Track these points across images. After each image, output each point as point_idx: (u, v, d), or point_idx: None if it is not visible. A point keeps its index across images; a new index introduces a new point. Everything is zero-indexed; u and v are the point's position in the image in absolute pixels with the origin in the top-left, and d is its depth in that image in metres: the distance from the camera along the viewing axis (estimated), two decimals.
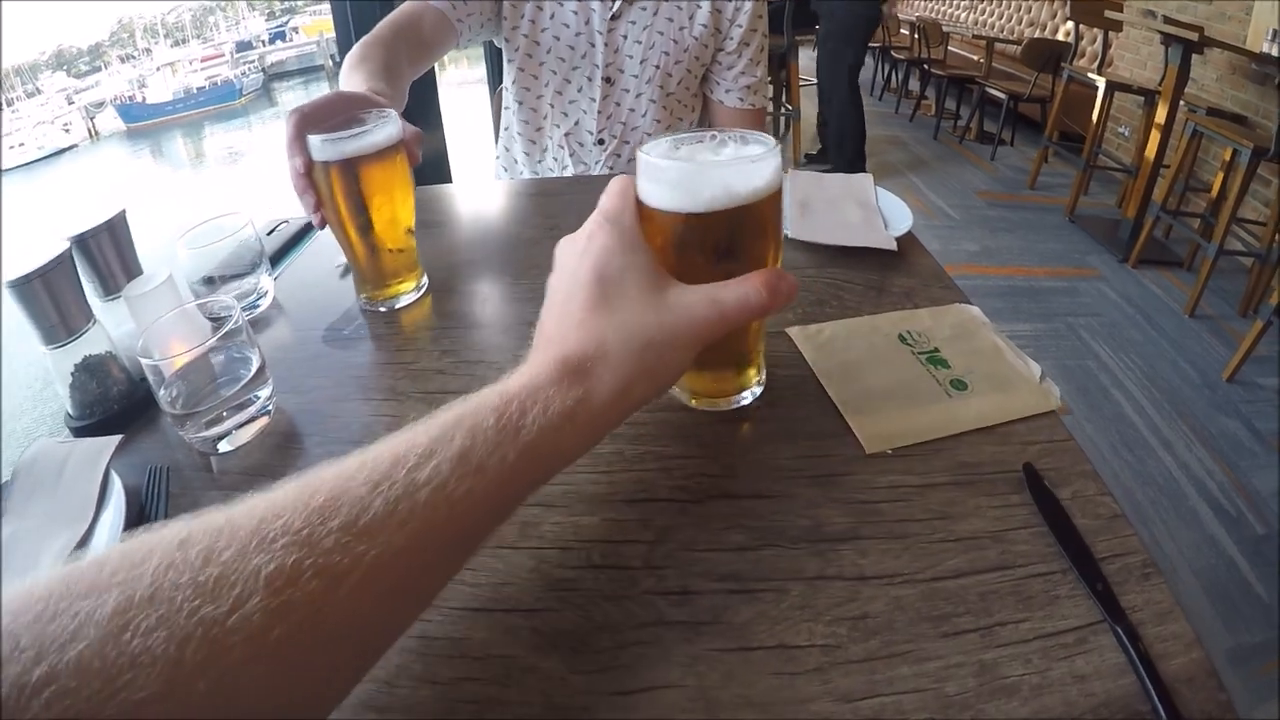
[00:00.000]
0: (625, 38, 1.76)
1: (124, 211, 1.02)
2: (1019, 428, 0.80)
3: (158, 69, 37.16)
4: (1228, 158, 4.49)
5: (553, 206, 1.49)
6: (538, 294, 0.67)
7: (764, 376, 0.85)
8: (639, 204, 0.70)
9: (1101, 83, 5.17)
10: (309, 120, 1.02)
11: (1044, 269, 4.60)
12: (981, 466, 0.75)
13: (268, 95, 36.49)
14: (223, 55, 41.93)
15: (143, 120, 35.15)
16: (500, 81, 1.98)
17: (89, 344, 0.91)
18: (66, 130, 35.60)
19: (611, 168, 1.87)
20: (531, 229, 1.38)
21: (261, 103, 35.06)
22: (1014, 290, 4.31)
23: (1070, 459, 0.75)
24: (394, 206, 1.08)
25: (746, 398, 0.84)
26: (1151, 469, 3.11)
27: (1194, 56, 4.49)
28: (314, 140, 1.00)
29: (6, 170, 34.86)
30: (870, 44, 8.55)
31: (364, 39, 1.51)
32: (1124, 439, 3.26)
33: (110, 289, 1.00)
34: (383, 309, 1.12)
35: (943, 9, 10.58)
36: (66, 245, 0.89)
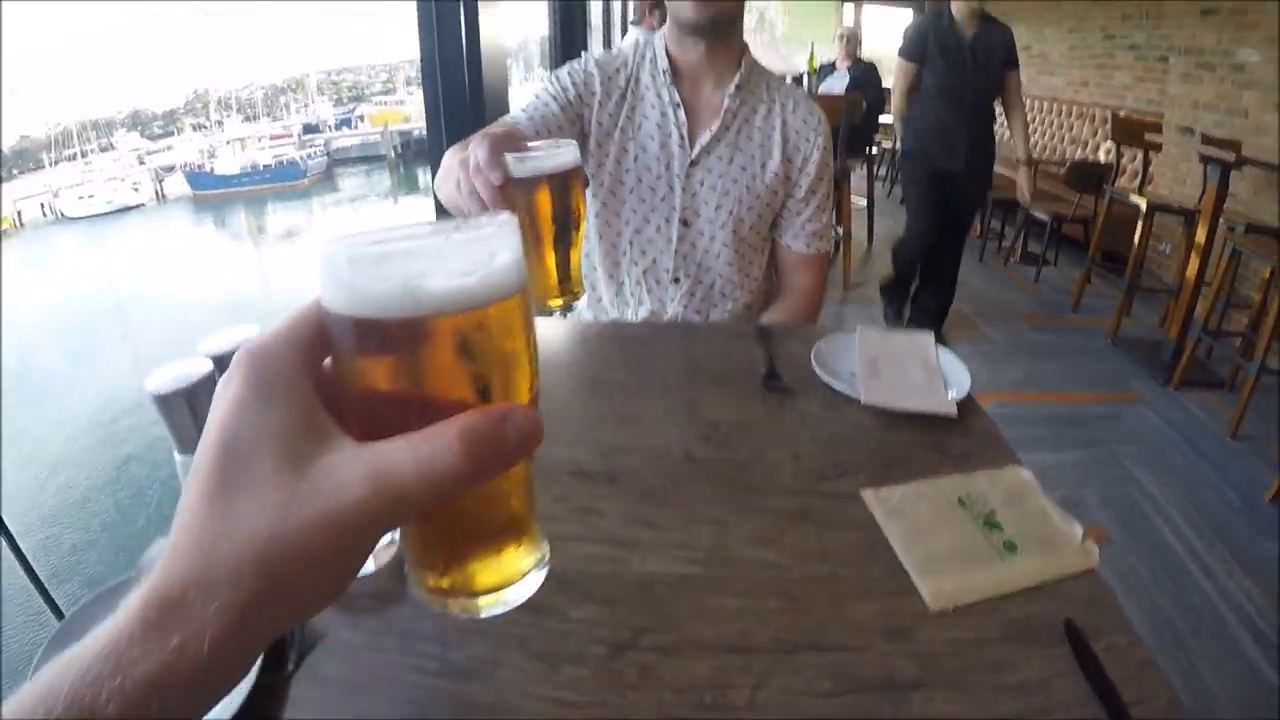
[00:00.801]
0: (702, 184, 1.86)
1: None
2: (1063, 584, 0.91)
3: (227, 142, 37.99)
4: (1267, 275, 4.43)
5: (642, 353, 1.53)
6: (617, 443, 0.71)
7: (546, 554, 0.55)
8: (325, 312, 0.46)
9: (1143, 204, 5.12)
10: (497, 142, 1.03)
11: (1087, 394, 4.53)
12: (1029, 621, 0.85)
13: (330, 179, 37.03)
14: (290, 135, 42.70)
15: (209, 189, 34.69)
16: None
17: None
18: (135, 189, 35.62)
19: (685, 306, 1.94)
20: (618, 372, 1.42)
21: (324, 185, 35.59)
22: (1057, 418, 4.24)
23: (1107, 613, 0.86)
24: (580, 219, 1.15)
25: (513, 597, 0.53)
26: (1192, 596, 3.04)
27: (1232, 173, 4.46)
28: (511, 159, 1.03)
29: (73, 219, 36.16)
30: None
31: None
32: (1165, 566, 3.19)
33: None
34: (572, 311, 1.27)
35: None
36: (210, 366, 0.93)
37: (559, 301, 1.16)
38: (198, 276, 23.49)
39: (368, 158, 39.33)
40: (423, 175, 35.78)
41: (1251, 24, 5.51)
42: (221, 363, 0.96)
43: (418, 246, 0.46)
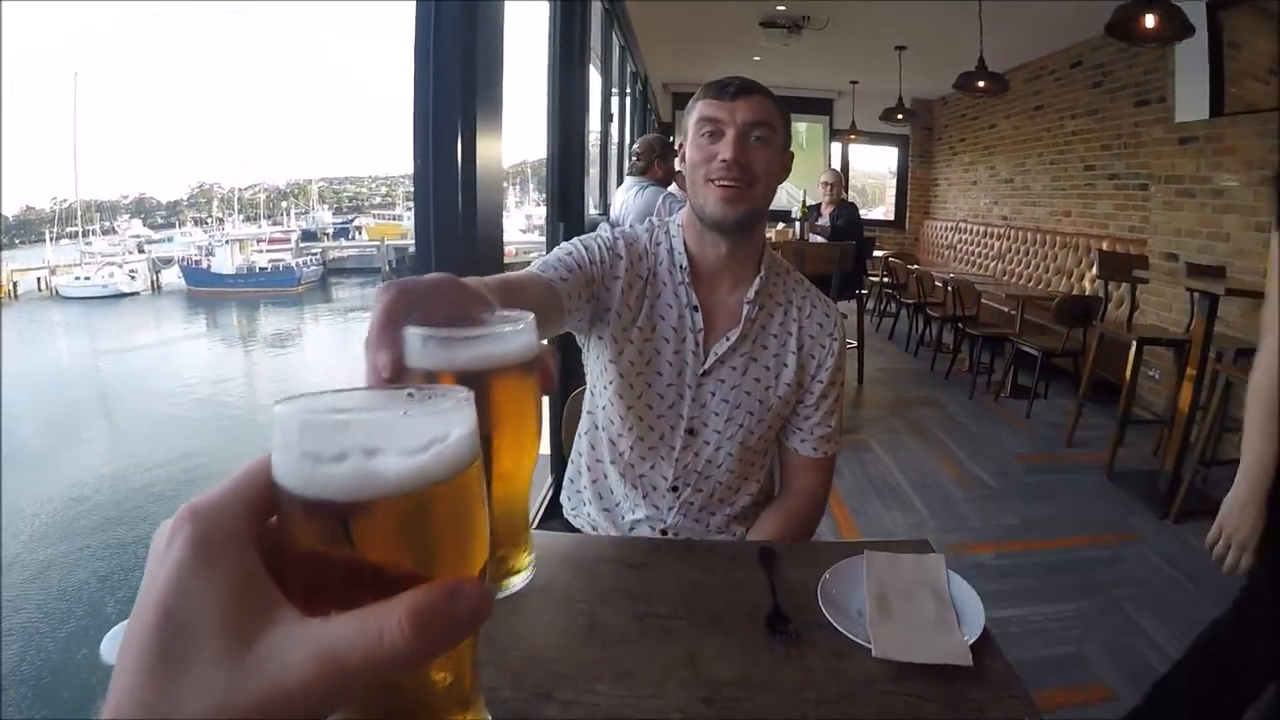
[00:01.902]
0: (713, 394, 1.74)
1: None
2: None
3: (226, 241, 38.47)
4: None
5: (639, 583, 1.38)
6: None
7: None
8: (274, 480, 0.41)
9: (1133, 341, 4.94)
10: (411, 300, 0.67)
11: (1085, 537, 4.24)
12: None
13: (324, 288, 37.42)
14: (289, 241, 43.45)
15: (204, 286, 35.76)
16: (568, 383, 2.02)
17: None
18: (132, 276, 36.38)
19: (684, 515, 1.80)
20: (616, 613, 1.27)
21: (317, 294, 35.99)
22: (1057, 565, 3.93)
23: None
24: (521, 450, 0.69)
25: None
26: None
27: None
28: (414, 335, 0.62)
29: (67, 298, 35.79)
30: (906, 301, 8.90)
31: None
32: None
33: None
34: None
35: (973, 255, 10.74)
36: None
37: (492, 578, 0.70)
38: (185, 372, 23.50)
39: (362, 270, 39.86)
40: None
41: (1228, 150, 5.58)
42: None
43: (374, 420, 0.44)
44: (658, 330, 1.72)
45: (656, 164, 5.21)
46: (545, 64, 4.15)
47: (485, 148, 2.23)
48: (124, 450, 16.36)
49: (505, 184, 2.60)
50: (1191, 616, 3.38)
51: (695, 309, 1.72)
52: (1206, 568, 3.72)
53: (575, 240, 1.71)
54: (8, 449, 17.07)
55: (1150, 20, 4.54)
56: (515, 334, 0.65)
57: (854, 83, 11.38)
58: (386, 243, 41.40)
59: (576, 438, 1.94)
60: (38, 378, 24.75)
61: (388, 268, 38.25)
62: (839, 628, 1.20)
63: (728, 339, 1.71)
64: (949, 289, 7.71)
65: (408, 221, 48.83)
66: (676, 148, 1.83)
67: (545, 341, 0.74)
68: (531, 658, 1.13)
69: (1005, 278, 9.48)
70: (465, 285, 0.76)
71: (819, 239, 7.07)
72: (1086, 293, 7.53)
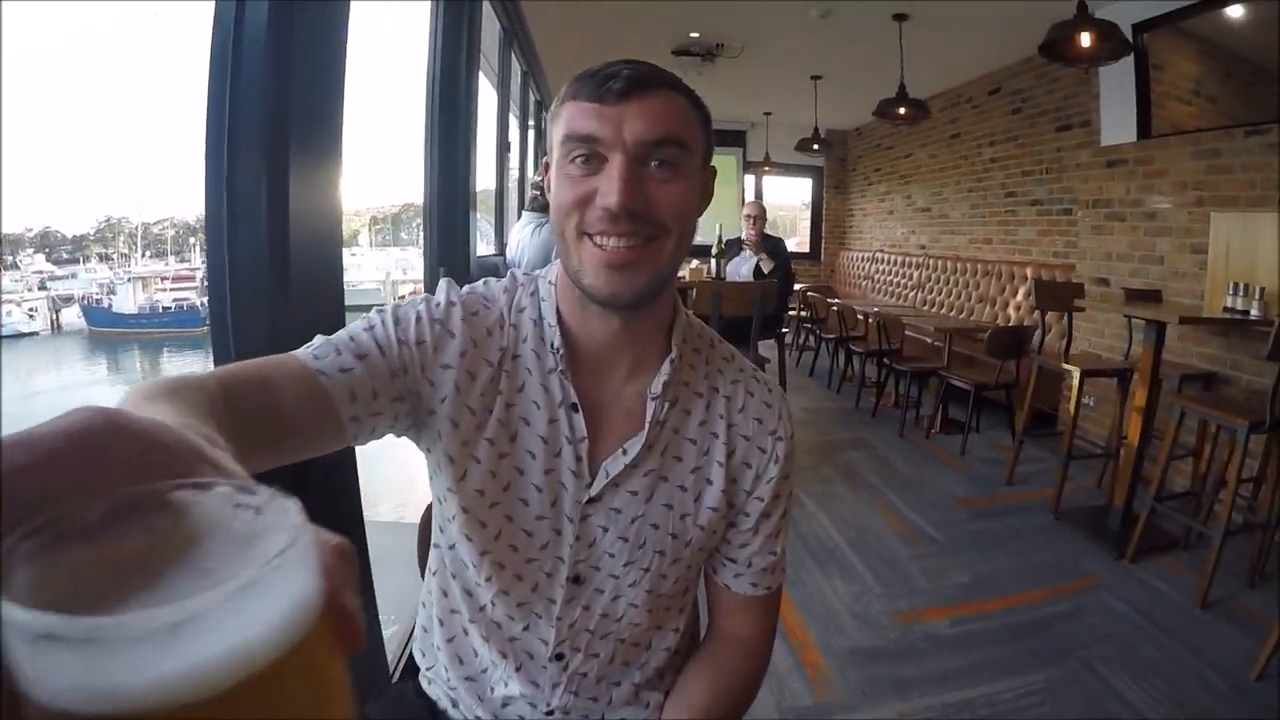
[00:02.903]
0: (605, 530, 1.17)
1: None
2: None
3: (129, 279, 36.96)
4: (1214, 429, 4.26)
5: None
6: None
7: None
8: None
9: (1076, 372, 4.76)
10: (32, 490, 0.35)
11: (1042, 590, 3.95)
12: None
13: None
14: (194, 279, 42.10)
15: (106, 327, 33.36)
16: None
17: None
18: (31, 315, 34.38)
19: (574, 691, 1.24)
20: None
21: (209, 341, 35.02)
22: (1017, 627, 3.60)
23: None
24: None
25: None
26: None
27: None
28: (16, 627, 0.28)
29: None
30: (827, 335, 8.70)
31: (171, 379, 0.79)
32: None
33: None
34: None
35: (891, 285, 10.64)
36: None
37: None
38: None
39: None
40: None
41: (1159, 172, 5.51)
42: None
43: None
44: (518, 441, 1.15)
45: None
46: (425, 82, 3.68)
47: (310, 177, 1.76)
48: None
49: (370, 227, 2.15)
50: (1165, 670, 3.26)
51: (575, 408, 1.15)
52: (1173, 609, 3.60)
53: (386, 310, 1.13)
54: None
55: (1086, 39, 4.43)
56: (261, 589, 0.32)
57: (767, 114, 11.27)
58: None
59: (426, 572, 1.36)
60: None
61: None
62: None
63: (624, 452, 1.16)
64: (872, 323, 7.50)
65: None
66: (542, 173, 1.16)
67: (332, 542, 0.40)
68: None
69: (926, 307, 9.37)
70: (156, 434, 0.42)
71: (742, 278, 6.69)
72: (1011, 320, 7.45)
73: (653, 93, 1.04)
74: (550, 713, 1.24)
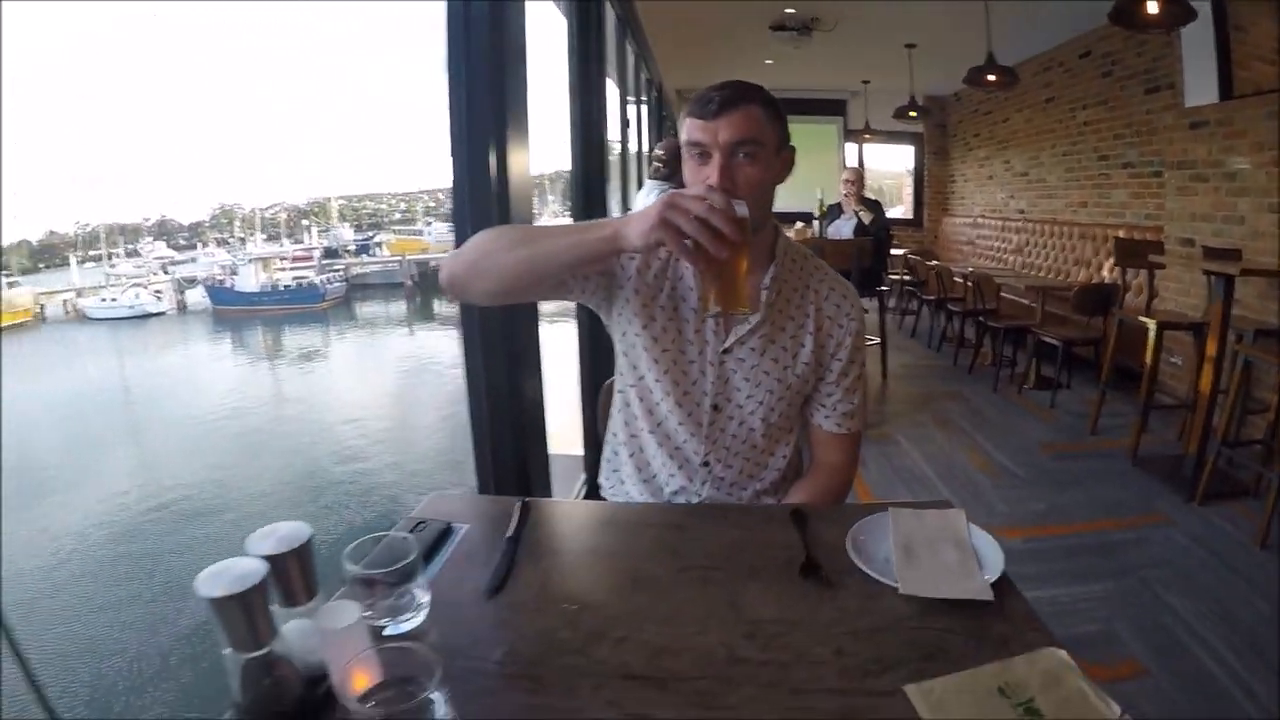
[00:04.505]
0: (735, 372, 1.78)
1: (312, 535, 1.07)
2: None
3: (250, 260, 38.89)
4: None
5: (679, 541, 1.47)
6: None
7: None
8: None
9: (1152, 325, 4.95)
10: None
11: (1112, 521, 4.25)
12: None
13: (348, 304, 37.64)
14: (311, 259, 43.70)
15: (229, 305, 36.18)
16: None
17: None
18: (158, 297, 37.16)
19: (716, 488, 1.85)
20: (658, 567, 1.37)
21: (341, 310, 36.18)
22: (1084, 548, 3.96)
23: None
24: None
25: None
26: None
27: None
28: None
29: (94, 319, 36.31)
30: (927, 297, 8.91)
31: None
32: (1206, 694, 2.91)
33: (293, 602, 1.05)
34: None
35: (992, 249, 10.72)
36: (265, 569, 0.95)
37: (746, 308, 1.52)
38: (211, 390, 23.68)
39: (385, 285, 40.08)
40: (439, 304, 36.30)
41: (1239, 133, 5.56)
42: (275, 562, 0.99)
43: None
44: (679, 311, 1.77)
45: (680, 168, 5.18)
46: (565, 74, 4.18)
47: (515, 158, 2.31)
48: (152, 469, 16.51)
49: (533, 194, 2.68)
50: (1220, 594, 3.51)
51: None
52: (1236, 548, 3.83)
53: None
54: (37, 472, 17.30)
55: (1153, 6, 4.58)
56: None
57: (865, 82, 11.32)
58: (408, 258, 41.69)
59: (611, 419, 1.98)
60: (65, 399, 25.09)
61: (410, 282, 38.57)
62: (868, 571, 1.27)
63: (748, 323, 1.75)
64: (969, 283, 7.72)
65: (428, 237, 49.07)
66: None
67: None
68: (583, 605, 1.22)
69: (1025, 270, 9.44)
70: None
71: (843, 237, 7.07)
72: (1105, 281, 7.49)
73: (736, 109, 1.57)
74: (700, 501, 1.84)
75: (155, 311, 37.47)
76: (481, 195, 2.24)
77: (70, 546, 12.59)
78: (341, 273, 40.90)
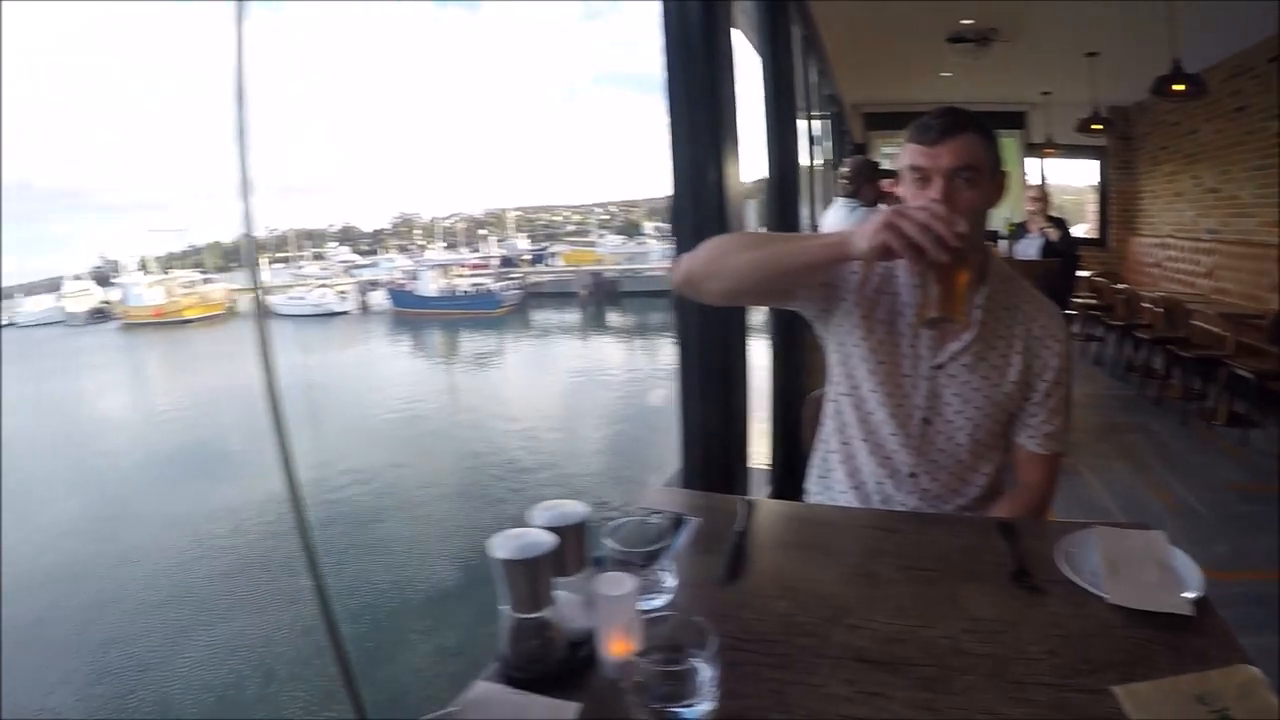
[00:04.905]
0: (946, 388, 1.84)
1: (589, 514, 1.19)
2: None
3: (430, 267, 40.79)
4: None
5: (895, 543, 1.57)
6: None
7: None
8: None
9: None
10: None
11: None
12: None
13: (523, 311, 38.88)
14: (489, 267, 45.57)
15: (409, 308, 38.33)
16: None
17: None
18: (342, 297, 40.74)
19: (921, 500, 1.91)
20: (883, 564, 1.47)
21: (517, 317, 37.48)
22: (1266, 598, 3.63)
23: None
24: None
25: None
26: None
27: None
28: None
29: (282, 315, 40.33)
30: (1113, 323, 8.43)
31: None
32: None
33: (563, 572, 1.15)
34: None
35: (1181, 273, 10.02)
36: (554, 542, 1.07)
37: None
38: (388, 386, 24.67)
39: (559, 294, 41.29)
40: (611, 315, 37.03)
41: None
42: (562, 534, 1.11)
43: None
44: (895, 325, 1.84)
45: (865, 187, 5.26)
46: (760, 94, 4.24)
47: (730, 169, 2.49)
48: (329, 459, 17.23)
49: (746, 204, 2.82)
50: None
51: None
52: None
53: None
54: (220, 455, 18.34)
55: None
56: None
57: (1046, 93, 10.87)
58: (583, 268, 42.87)
59: (822, 426, 2.05)
60: (249, 389, 26.53)
61: (584, 292, 39.66)
62: (1077, 581, 1.34)
63: (961, 340, 1.81)
64: (1158, 309, 7.31)
65: (601, 249, 50.64)
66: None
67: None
68: (818, 594, 1.33)
69: (1216, 296, 8.73)
70: None
71: (1029, 257, 6.76)
72: None
73: (956, 136, 1.66)
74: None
75: (339, 311, 40.29)
76: (702, 204, 2.43)
77: (248, 522, 13.24)
78: (518, 281, 42.39)
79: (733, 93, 2.56)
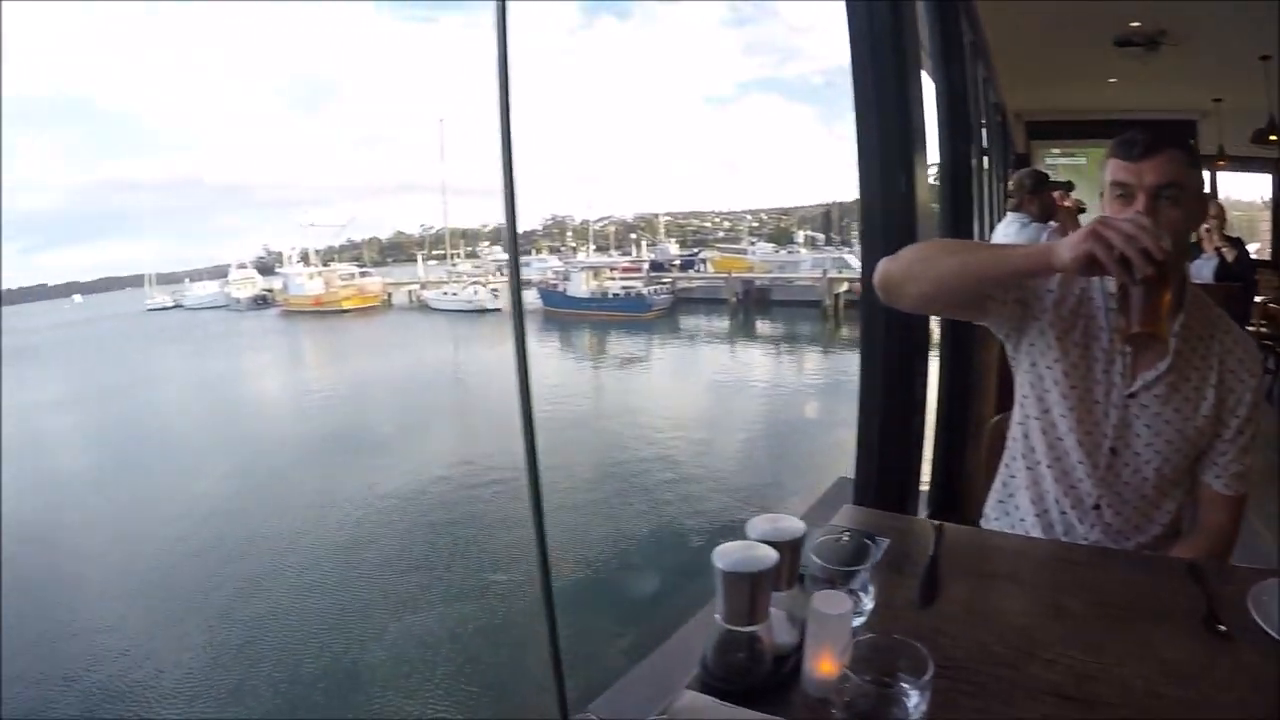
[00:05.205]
0: (1137, 418, 1.80)
1: (807, 532, 1.21)
2: None
3: (581, 268, 41.70)
4: None
5: (1085, 578, 1.56)
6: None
7: None
8: None
9: None
10: None
11: None
12: None
13: (672, 316, 38.96)
14: (640, 270, 45.74)
15: (559, 307, 39.13)
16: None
17: None
18: (494, 295, 42.11)
19: (1103, 534, 1.87)
20: (1075, 600, 1.45)
21: (666, 321, 37.52)
22: None
23: None
24: None
25: None
26: None
27: None
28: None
29: (434, 309, 43.42)
30: None
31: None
32: None
33: (775, 588, 1.14)
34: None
35: None
36: (776, 559, 1.08)
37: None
38: (535, 383, 24.97)
39: (709, 300, 41.24)
40: (760, 324, 36.82)
41: None
42: (779, 548, 1.11)
43: None
44: (1090, 350, 1.80)
45: (1027, 199, 5.08)
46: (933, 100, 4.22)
47: (920, 176, 2.52)
48: (468, 449, 17.91)
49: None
50: None
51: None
52: None
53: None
54: (368, 441, 19.00)
55: None
56: None
57: (1217, 100, 10.25)
58: (734, 275, 42.80)
59: (1007, 450, 2.02)
60: (399, 377, 27.97)
61: (734, 299, 39.59)
62: (1270, 631, 1.29)
63: (1156, 369, 1.76)
64: None
65: (752, 256, 50.36)
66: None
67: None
68: (1010, 624, 1.34)
69: None
70: None
71: (1203, 280, 6.41)
72: None
73: (1160, 153, 1.63)
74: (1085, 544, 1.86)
75: (491, 308, 41.46)
76: (891, 211, 2.44)
77: (392, 505, 13.65)
78: (668, 285, 42.54)
79: (920, 97, 2.56)
